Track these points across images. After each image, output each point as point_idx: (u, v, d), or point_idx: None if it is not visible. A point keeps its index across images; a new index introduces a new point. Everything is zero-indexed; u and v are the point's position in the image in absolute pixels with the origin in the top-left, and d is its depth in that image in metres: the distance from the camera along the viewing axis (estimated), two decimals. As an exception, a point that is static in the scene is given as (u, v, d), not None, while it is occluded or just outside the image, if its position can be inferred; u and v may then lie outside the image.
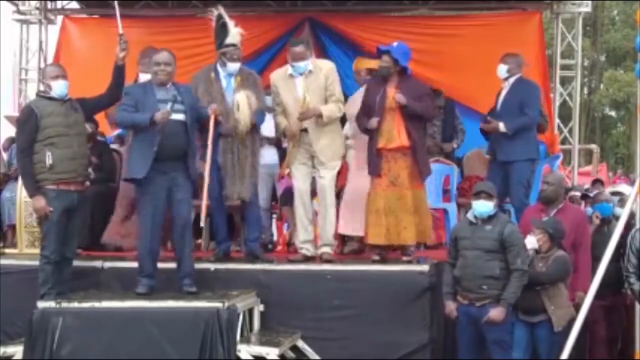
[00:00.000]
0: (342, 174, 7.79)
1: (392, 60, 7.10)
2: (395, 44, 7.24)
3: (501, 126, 7.48)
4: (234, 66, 7.15)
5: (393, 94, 7.08)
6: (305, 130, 7.23)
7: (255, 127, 7.15)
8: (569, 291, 6.34)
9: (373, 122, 7.09)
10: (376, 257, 7.26)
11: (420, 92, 7.20)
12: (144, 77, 7.21)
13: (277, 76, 7.41)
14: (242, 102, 6.99)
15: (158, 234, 6.62)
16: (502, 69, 7.69)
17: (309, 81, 7.22)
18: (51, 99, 6.60)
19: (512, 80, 7.67)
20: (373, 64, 7.60)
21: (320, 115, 7.15)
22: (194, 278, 6.61)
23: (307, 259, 7.23)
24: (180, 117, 6.57)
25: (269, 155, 8.09)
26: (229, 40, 7.14)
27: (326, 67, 7.37)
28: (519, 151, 7.52)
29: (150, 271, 6.58)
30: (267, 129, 7.77)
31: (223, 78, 7.17)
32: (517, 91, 7.63)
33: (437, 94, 9.36)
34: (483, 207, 6.26)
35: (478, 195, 6.28)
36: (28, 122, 6.53)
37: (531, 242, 6.34)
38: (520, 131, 7.52)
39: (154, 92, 6.62)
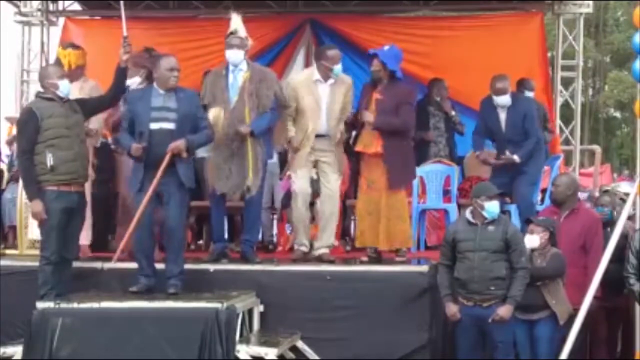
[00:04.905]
0: (343, 183, 7.88)
1: (381, 64, 7.12)
2: (386, 47, 7.27)
3: (516, 158, 7.57)
4: (231, 54, 7.07)
5: (375, 99, 7.15)
6: (323, 136, 7.26)
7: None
8: (579, 295, 6.32)
9: (367, 115, 7.13)
10: (364, 259, 7.31)
11: (400, 101, 7.17)
12: (131, 81, 7.25)
13: (298, 80, 7.43)
14: (213, 116, 6.91)
15: (148, 235, 6.61)
16: (505, 100, 7.70)
17: (334, 89, 7.27)
18: (51, 100, 6.59)
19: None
20: None
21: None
22: (181, 279, 6.61)
23: (305, 257, 7.29)
24: (169, 126, 6.55)
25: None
26: (229, 30, 7.14)
27: (348, 81, 7.44)
28: (534, 158, 7.68)
29: (146, 271, 6.63)
30: None
31: (230, 73, 7.12)
32: (518, 110, 7.71)
33: (439, 82, 9.41)
34: (496, 208, 6.29)
35: (491, 197, 6.30)
36: (29, 123, 6.52)
37: (533, 240, 6.41)
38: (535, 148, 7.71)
39: (151, 98, 6.63)
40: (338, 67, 7.28)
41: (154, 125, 6.55)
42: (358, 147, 7.24)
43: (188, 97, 6.75)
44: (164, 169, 6.47)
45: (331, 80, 7.27)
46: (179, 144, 6.50)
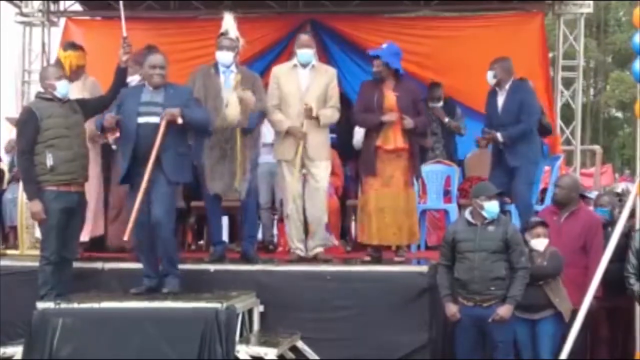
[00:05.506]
0: (337, 175, 7.85)
1: (383, 64, 7.13)
2: (384, 45, 7.31)
3: (499, 136, 7.49)
4: (221, 55, 7.12)
5: (392, 96, 7.15)
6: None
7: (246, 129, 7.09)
8: (579, 295, 6.37)
9: (391, 115, 7.10)
10: (367, 258, 7.29)
11: (414, 98, 7.27)
12: (132, 79, 7.25)
13: (279, 68, 7.50)
14: (232, 101, 6.94)
15: (146, 235, 6.55)
16: (488, 75, 7.69)
17: (312, 77, 7.28)
18: (51, 100, 6.61)
19: (507, 86, 7.66)
20: None
21: (317, 119, 7.20)
22: (178, 276, 6.60)
23: (301, 259, 7.29)
24: (156, 120, 6.50)
25: (268, 154, 8.05)
26: (220, 30, 7.16)
27: (331, 71, 7.49)
28: (526, 154, 7.57)
29: (146, 271, 6.64)
30: (268, 135, 7.80)
31: (222, 73, 7.15)
32: (515, 96, 7.64)
33: (436, 86, 9.41)
34: (495, 208, 6.30)
35: (491, 197, 6.31)
36: (28, 124, 6.55)
37: (544, 243, 6.46)
38: (522, 137, 7.55)
39: (141, 94, 6.64)
40: (303, 52, 7.29)
41: (140, 120, 6.53)
42: (377, 144, 7.18)
43: (178, 92, 6.69)
44: (161, 139, 6.40)
45: (310, 66, 7.30)
46: (174, 110, 6.44)
